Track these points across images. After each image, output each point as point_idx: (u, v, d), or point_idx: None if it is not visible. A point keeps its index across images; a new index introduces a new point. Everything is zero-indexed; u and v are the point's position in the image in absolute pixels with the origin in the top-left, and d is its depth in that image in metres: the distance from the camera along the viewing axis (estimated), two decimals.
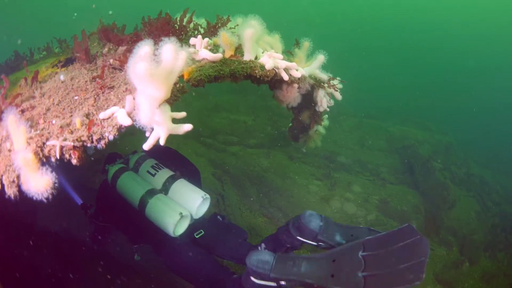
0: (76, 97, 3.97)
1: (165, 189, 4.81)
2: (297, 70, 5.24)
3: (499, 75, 46.56)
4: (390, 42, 53.21)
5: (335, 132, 15.73)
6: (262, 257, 3.56)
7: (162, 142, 3.20)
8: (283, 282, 3.44)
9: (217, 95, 16.80)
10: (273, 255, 3.57)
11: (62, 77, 4.53)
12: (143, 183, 4.86)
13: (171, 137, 3.33)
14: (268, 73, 4.71)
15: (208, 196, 4.72)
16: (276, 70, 4.86)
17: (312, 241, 3.98)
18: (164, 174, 4.96)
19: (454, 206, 12.27)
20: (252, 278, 3.62)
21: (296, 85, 5.75)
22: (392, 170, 13.51)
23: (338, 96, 6.32)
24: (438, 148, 15.95)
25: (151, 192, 4.68)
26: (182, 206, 4.57)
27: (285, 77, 4.95)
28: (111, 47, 5.42)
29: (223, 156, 12.22)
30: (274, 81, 5.65)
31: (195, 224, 4.80)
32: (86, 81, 4.35)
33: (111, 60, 4.54)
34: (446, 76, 44.25)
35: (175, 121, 3.40)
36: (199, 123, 13.89)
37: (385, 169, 13.42)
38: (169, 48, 2.91)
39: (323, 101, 6.27)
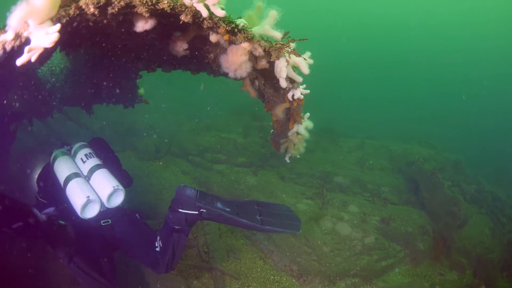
0: None
1: (89, 176, 5.04)
2: (223, 9, 4.12)
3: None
4: (391, 62, 52.95)
5: (333, 153, 14.92)
6: (189, 190, 4.52)
7: (28, 55, 3.11)
8: (203, 210, 4.36)
9: (211, 117, 17.04)
10: (196, 190, 4.55)
11: None
12: (72, 167, 5.14)
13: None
14: (181, 7, 3.94)
15: (120, 187, 4.88)
16: (195, 5, 3.97)
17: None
18: (92, 162, 5.20)
19: (465, 224, 10.80)
20: (180, 209, 4.48)
21: (245, 46, 4.60)
22: (395, 190, 12.11)
23: (304, 67, 4.86)
24: (445, 165, 14.66)
25: (75, 175, 4.95)
26: (96, 192, 4.82)
27: (204, 12, 4.02)
28: None
29: (209, 174, 11.66)
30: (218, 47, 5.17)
31: (106, 213, 4.97)
32: None
33: None
34: (453, 97, 43.39)
35: None
36: (189, 142, 13.87)
37: (387, 189, 12.02)
38: None
39: (282, 71, 4.75)
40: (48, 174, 5.39)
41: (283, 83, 4.87)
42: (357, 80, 44.41)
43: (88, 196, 4.63)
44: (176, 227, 4.66)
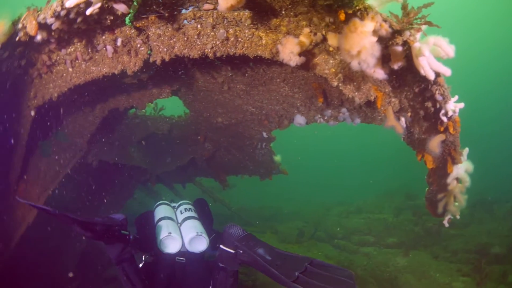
0: None
1: (181, 223, 5.15)
2: None
3: None
4: None
5: (486, 222, 13.49)
6: (235, 229, 4.28)
7: None
8: (240, 251, 4.05)
9: (360, 199, 16.17)
10: (245, 232, 4.23)
11: None
12: (170, 213, 5.32)
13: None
14: None
15: (204, 236, 4.85)
16: None
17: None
18: (188, 214, 5.34)
19: None
20: (221, 246, 4.26)
21: (368, 24, 3.26)
22: None
23: (447, 47, 3.37)
24: None
25: (168, 218, 5.15)
26: (181, 235, 4.92)
27: None
28: None
29: (354, 258, 10.82)
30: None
31: (185, 253, 4.95)
32: None
33: None
34: None
35: None
36: (335, 225, 13.33)
37: None
38: None
39: (423, 49, 3.39)
40: (146, 219, 5.49)
41: (427, 71, 3.48)
42: None
43: (170, 232, 4.78)
44: (220, 265, 4.47)
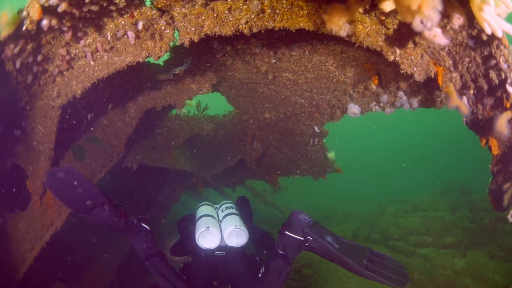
0: None
1: (221, 220, 5.10)
2: None
3: None
4: None
5: None
6: (303, 216, 4.16)
7: None
8: (310, 238, 3.98)
9: (415, 195, 15.82)
10: (311, 219, 4.15)
11: None
12: (211, 212, 5.27)
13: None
14: None
15: (243, 229, 4.79)
16: None
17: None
18: (229, 211, 5.25)
19: None
20: (287, 232, 4.13)
21: None
22: None
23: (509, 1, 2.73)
24: None
25: (209, 216, 5.09)
26: (220, 230, 4.87)
27: None
28: None
29: (411, 261, 10.23)
30: None
31: (225, 248, 4.93)
32: None
33: None
34: None
35: None
36: (391, 225, 12.90)
37: None
38: None
39: (487, 16, 2.72)
40: (187, 220, 5.51)
41: (494, 26, 2.79)
42: None
43: (208, 227, 4.73)
44: (280, 252, 4.32)
